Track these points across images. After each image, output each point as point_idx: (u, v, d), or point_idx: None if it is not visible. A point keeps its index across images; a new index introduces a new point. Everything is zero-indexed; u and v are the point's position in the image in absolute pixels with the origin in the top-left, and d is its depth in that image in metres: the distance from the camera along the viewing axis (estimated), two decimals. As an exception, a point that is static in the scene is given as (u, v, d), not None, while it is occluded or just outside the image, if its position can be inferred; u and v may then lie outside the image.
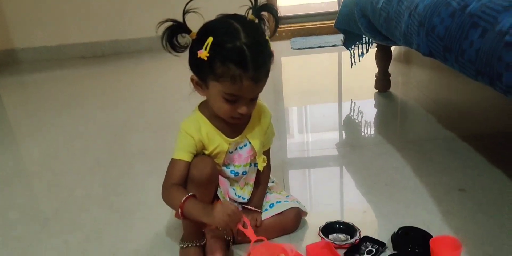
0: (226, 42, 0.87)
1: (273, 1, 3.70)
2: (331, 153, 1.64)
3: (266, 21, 0.97)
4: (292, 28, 3.80)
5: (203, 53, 0.88)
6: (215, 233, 1.07)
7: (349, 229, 1.11)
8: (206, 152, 1.04)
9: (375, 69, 2.17)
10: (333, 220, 1.13)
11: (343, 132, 1.90)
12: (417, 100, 2.09)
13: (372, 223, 1.16)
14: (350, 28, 1.96)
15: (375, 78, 2.18)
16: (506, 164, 1.35)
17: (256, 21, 0.95)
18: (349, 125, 1.94)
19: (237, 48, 0.86)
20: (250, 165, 1.10)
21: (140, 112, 2.30)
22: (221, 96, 0.93)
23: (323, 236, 1.08)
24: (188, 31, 0.92)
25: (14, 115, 2.56)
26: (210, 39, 0.87)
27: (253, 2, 0.95)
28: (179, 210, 0.94)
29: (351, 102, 2.20)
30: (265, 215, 1.12)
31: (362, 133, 1.84)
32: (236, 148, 1.07)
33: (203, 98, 1.03)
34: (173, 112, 2.13)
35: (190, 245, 1.04)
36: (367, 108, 2.09)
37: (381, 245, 1.04)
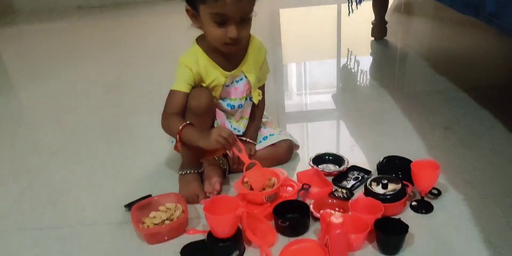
0: None
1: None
2: (326, 96, 1.70)
3: None
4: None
5: None
6: (212, 162, 1.14)
7: (338, 159, 1.18)
8: (204, 85, 1.09)
9: (371, 18, 2.18)
10: (323, 152, 1.20)
11: (339, 77, 1.94)
12: (411, 47, 2.13)
13: (360, 155, 1.23)
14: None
15: (371, 26, 2.19)
16: (493, 107, 1.40)
17: None
18: (345, 71, 1.98)
19: None
20: (246, 99, 1.16)
21: (137, 61, 2.33)
22: (211, 20, 0.97)
23: (313, 165, 1.15)
24: None
25: (11, 64, 2.57)
26: None
27: None
28: (177, 137, 1.01)
29: (348, 51, 2.23)
30: (259, 147, 1.19)
31: (357, 78, 1.89)
32: (233, 81, 1.12)
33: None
34: (171, 60, 2.16)
35: (188, 172, 1.12)
36: (363, 55, 2.13)
37: (367, 172, 1.12)
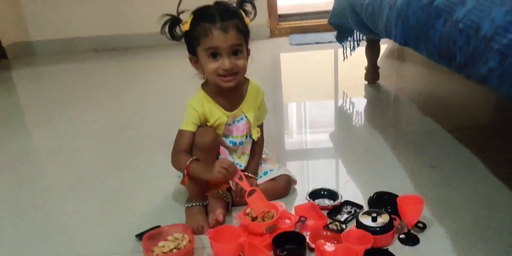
0: (201, 12, 1.12)
1: (273, 0, 3.88)
2: (324, 135, 1.82)
3: (250, 10, 1.18)
4: (291, 25, 3.99)
5: (186, 25, 1.13)
6: (216, 195, 1.24)
7: (332, 194, 1.27)
8: (209, 124, 1.22)
9: (365, 62, 2.34)
10: (319, 187, 1.30)
11: (336, 117, 2.07)
12: (402, 90, 2.29)
13: (353, 191, 1.33)
14: (342, 23, 2.13)
15: (365, 71, 2.35)
16: (475, 149, 1.51)
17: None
18: (341, 112, 2.12)
19: (208, 11, 1.11)
20: (246, 136, 1.28)
21: (147, 103, 2.46)
22: (206, 56, 1.12)
23: (310, 199, 1.25)
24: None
25: (29, 104, 2.69)
26: (191, 17, 1.12)
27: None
28: (185, 171, 1.12)
29: (344, 93, 2.38)
30: (259, 181, 1.29)
31: (352, 119, 2.02)
32: (234, 121, 1.25)
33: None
34: (178, 101, 2.29)
35: (194, 204, 1.21)
36: (357, 97, 2.27)
37: (359, 207, 1.22)
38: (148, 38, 3.74)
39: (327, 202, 1.26)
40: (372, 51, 2.27)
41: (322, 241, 1.00)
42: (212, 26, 1.09)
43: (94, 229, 1.23)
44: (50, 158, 1.81)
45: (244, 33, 1.14)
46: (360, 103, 2.21)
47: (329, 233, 1.09)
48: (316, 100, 2.31)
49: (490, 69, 0.89)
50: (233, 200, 1.25)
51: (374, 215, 1.08)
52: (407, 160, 1.48)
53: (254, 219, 1.13)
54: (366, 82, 2.37)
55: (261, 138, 1.33)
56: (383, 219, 1.08)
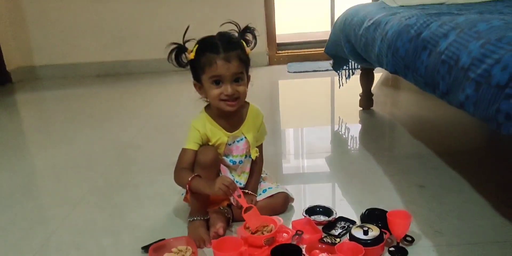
0: (206, 42, 1.22)
1: (272, 30, 4.06)
2: (319, 159, 1.90)
3: (250, 39, 1.29)
4: (289, 53, 4.14)
5: (191, 54, 1.22)
6: (217, 211, 1.32)
7: (327, 211, 1.35)
8: (210, 143, 1.32)
9: (360, 90, 2.46)
10: (315, 204, 1.38)
11: (332, 142, 2.16)
12: (394, 116, 2.41)
13: (346, 207, 1.41)
14: (338, 53, 2.27)
15: (359, 97, 2.47)
16: (462, 169, 1.61)
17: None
18: (336, 136, 2.22)
19: (212, 41, 1.21)
20: (246, 156, 1.37)
21: (150, 125, 2.55)
22: (210, 83, 1.22)
23: (306, 215, 1.32)
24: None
25: (33, 128, 2.75)
26: (196, 46, 1.22)
27: (238, 27, 1.28)
28: (187, 186, 1.21)
29: (339, 119, 2.49)
30: (259, 198, 1.37)
31: (347, 143, 2.11)
32: (234, 141, 1.35)
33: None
34: (180, 124, 2.39)
35: (196, 218, 1.29)
36: (352, 122, 2.38)
37: (352, 222, 1.29)
38: (151, 64, 3.91)
39: (322, 218, 1.33)
40: (366, 79, 2.40)
41: (317, 251, 1.08)
42: (216, 56, 1.19)
43: (102, 242, 1.30)
44: (57, 177, 1.88)
45: (245, 61, 1.25)
46: (355, 128, 2.32)
47: (323, 246, 1.16)
48: (313, 125, 2.41)
49: (467, 96, 0.99)
50: (233, 216, 1.33)
51: (366, 228, 1.16)
52: (398, 180, 1.57)
53: (253, 233, 1.20)
54: (361, 108, 2.48)
55: (260, 158, 1.43)
56: (374, 232, 1.15)
